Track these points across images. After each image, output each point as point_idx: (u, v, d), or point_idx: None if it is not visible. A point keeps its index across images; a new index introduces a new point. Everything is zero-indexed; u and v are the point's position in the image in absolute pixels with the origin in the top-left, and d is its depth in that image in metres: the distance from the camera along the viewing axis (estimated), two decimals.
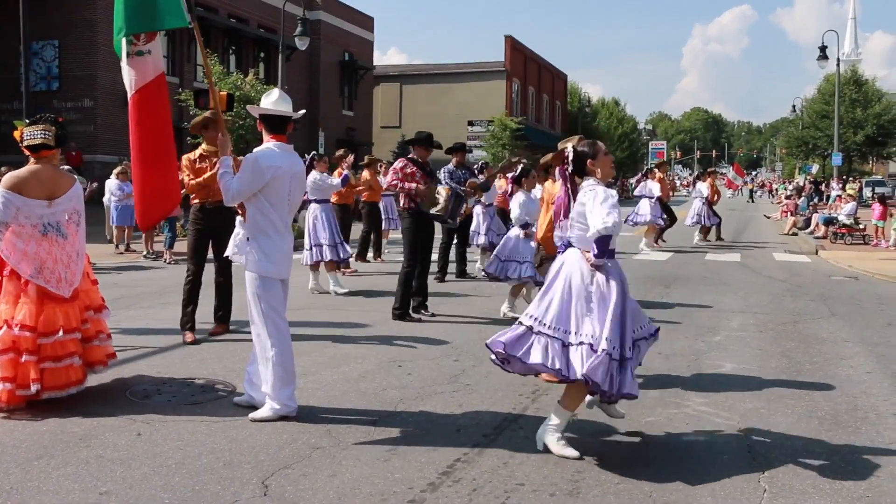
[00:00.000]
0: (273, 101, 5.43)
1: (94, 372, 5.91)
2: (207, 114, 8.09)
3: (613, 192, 4.88)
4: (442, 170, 11.23)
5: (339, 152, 12.49)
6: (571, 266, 4.86)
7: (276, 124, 5.43)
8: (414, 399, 5.87)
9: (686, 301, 10.72)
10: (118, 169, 16.80)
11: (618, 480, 4.38)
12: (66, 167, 13.73)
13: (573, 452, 4.72)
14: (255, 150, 5.42)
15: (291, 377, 5.33)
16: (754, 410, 5.72)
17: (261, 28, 34.05)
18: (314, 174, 11.19)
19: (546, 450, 4.79)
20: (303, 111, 5.98)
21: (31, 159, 5.69)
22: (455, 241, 12.89)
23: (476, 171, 12.26)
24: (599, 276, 4.76)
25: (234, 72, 26.35)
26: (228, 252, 5.49)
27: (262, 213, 5.28)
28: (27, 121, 5.78)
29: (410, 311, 9.15)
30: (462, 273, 12.97)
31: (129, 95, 6.01)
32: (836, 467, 4.63)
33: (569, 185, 5.15)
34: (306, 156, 11.60)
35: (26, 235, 5.53)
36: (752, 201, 52.00)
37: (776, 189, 58.47)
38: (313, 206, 11.27)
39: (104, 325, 6.04)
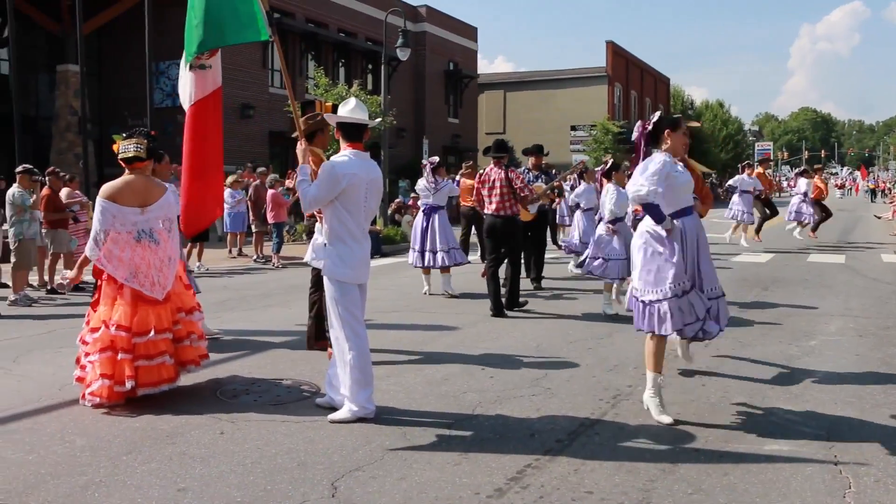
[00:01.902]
0: (350, 109, 5.38)
1: (186, 371, 6.02)
2: (319, 118, 7.07)
3: (666, 160, 5.23)
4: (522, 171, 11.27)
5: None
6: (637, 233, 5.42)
7: (352, 132, 5.38)
8: (492, 403, 5.72)
9: (783, 303, 10.18)
10: (231, 178, 17.14)
11: (691, 491, 4.12)
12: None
13: (666, 419, 5.17)
14: (331, 157, 5.39)
15: (369, 380, 5.26)
16: (844, 420, 5.31)
17: (368, 41, 34.46)
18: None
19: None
20: (378, 119, 5.94)
21: (126, 170, 5.88)
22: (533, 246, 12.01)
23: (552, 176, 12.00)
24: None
25: (339, 83, 26.81)
26: (307, 258, 5.47)
27: (339, 220, 5.24)
28: (124, 135, 5.94)
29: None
30: (537, 279, 11.91)
31: (186, 106, 6.09)
32: None
33: (641, 147, 5.49)
34: (428, 162, 11.56)
35: (122, 242, 5.70)
36: (874, 201, 49.55)
37: (890, 188, 55.53)
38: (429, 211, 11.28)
39: (196, 326, 6.13)
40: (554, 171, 12.53)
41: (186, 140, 6.21)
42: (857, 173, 42.09)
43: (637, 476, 4.32)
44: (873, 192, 52.95)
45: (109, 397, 5.52)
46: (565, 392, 6.02)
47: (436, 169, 11.34)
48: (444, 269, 11.10)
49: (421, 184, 11.51)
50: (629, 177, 5.74)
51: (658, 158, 5.28)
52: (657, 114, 5.55)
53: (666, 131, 5.36)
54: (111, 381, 5.53)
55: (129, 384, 5.50)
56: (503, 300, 9.50)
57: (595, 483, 4.23)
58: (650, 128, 5.45)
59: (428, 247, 10.96)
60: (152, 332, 5.63)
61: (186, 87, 6.12)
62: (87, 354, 5.69)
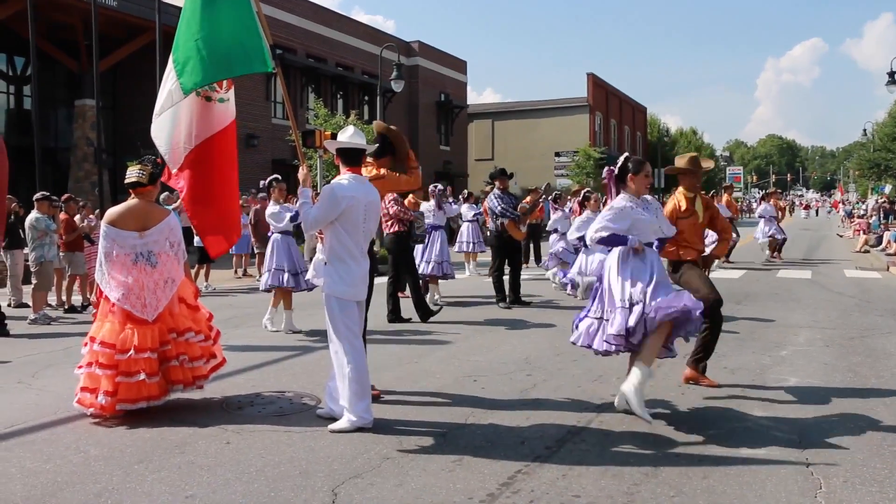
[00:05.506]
0: (349, 136, 5.36)
1: (176, 390, 5.77)
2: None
3: (627, 205, 5.40)
4: (490, 195, 11.50)
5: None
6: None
7: (351, 157, 5.36)
8: (484, 412, 5.66)
9: (755, 317, 10.16)
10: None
11: (673, 493, 4.07)
12: None
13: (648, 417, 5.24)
14: (332, 181, 5.36)
15: (366, 391, 5.20)
16: (815, 425, 5.28)
17: (365, 74, 34.58)
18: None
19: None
20: (376, 145, 5.92)
21: (131, 195, 5.85)
22: (507, 267, 11.62)
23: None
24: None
25: (337, 113, 26.90)
26: (308, 276, 5.42)
27: (339, 240, 5.20)
28: (136, 162, 5.90)
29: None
30: (517, 300, 11.53)
31: (193, 137, 5.91)
32: None
33: (611, 188, 5.63)
34: (437, 189, 12.79)
35: (119, 263, 5.65)
36: (848, 219, 49.57)
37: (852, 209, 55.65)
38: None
39: (193, 347, 5.85)
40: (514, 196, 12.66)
41: (204, 167, 5.95)
42: (836, 192, 41.78)
43: (622, 480, 4.27)
44: (848, 211, 52.89)
45: (94, 408, 5.46)
46: (553, 401, 5.97)
47: (442, 194, 12.47)
48: (434, 280, 11.98)
49: (424, 206, 12.18)
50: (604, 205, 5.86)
51: (619, 201, 5.46)
52: (623, 156, 5.62)
53: (629, 175, 5.49)
54: (91, 395, 5.49)
55: (101, 398, 5.41)
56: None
57: (582, 487, 4.17)
58: (616, 171, 5.57)
59: (424, 258, 11.85)
60: (132, 351, 5.47)
61: (188, 117, 5.92)
62: (78, 367, 5.65)
